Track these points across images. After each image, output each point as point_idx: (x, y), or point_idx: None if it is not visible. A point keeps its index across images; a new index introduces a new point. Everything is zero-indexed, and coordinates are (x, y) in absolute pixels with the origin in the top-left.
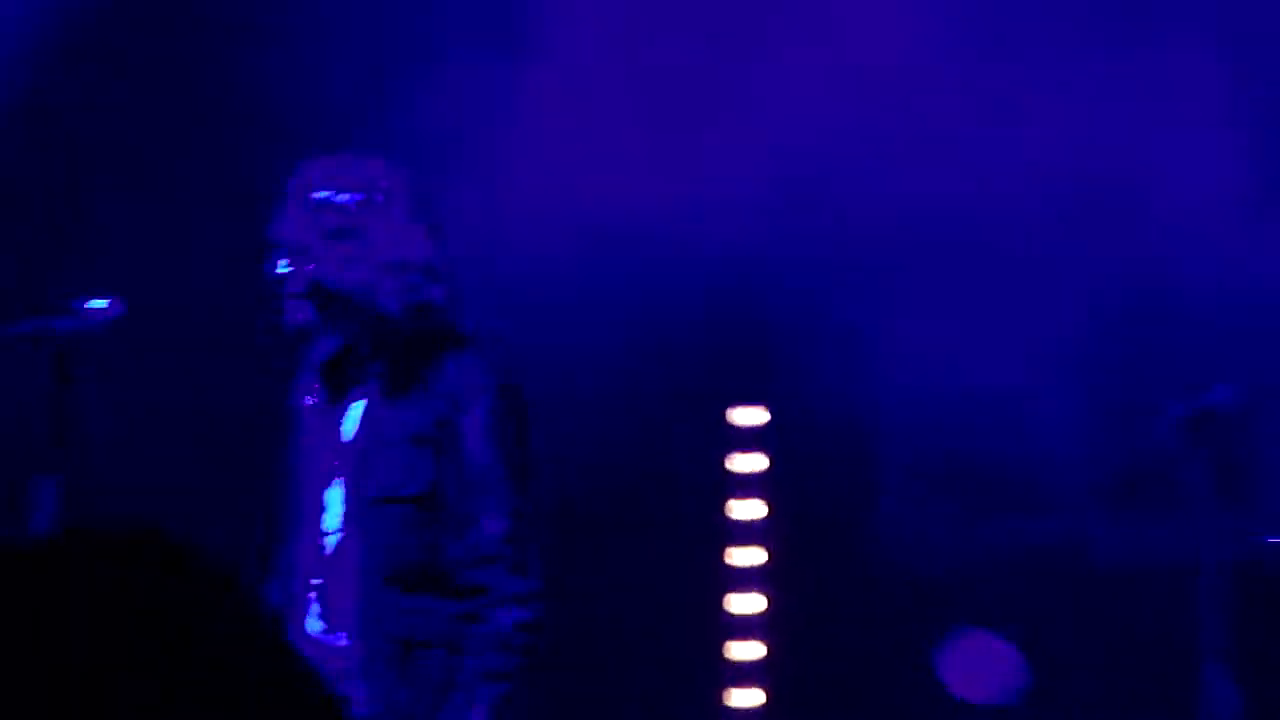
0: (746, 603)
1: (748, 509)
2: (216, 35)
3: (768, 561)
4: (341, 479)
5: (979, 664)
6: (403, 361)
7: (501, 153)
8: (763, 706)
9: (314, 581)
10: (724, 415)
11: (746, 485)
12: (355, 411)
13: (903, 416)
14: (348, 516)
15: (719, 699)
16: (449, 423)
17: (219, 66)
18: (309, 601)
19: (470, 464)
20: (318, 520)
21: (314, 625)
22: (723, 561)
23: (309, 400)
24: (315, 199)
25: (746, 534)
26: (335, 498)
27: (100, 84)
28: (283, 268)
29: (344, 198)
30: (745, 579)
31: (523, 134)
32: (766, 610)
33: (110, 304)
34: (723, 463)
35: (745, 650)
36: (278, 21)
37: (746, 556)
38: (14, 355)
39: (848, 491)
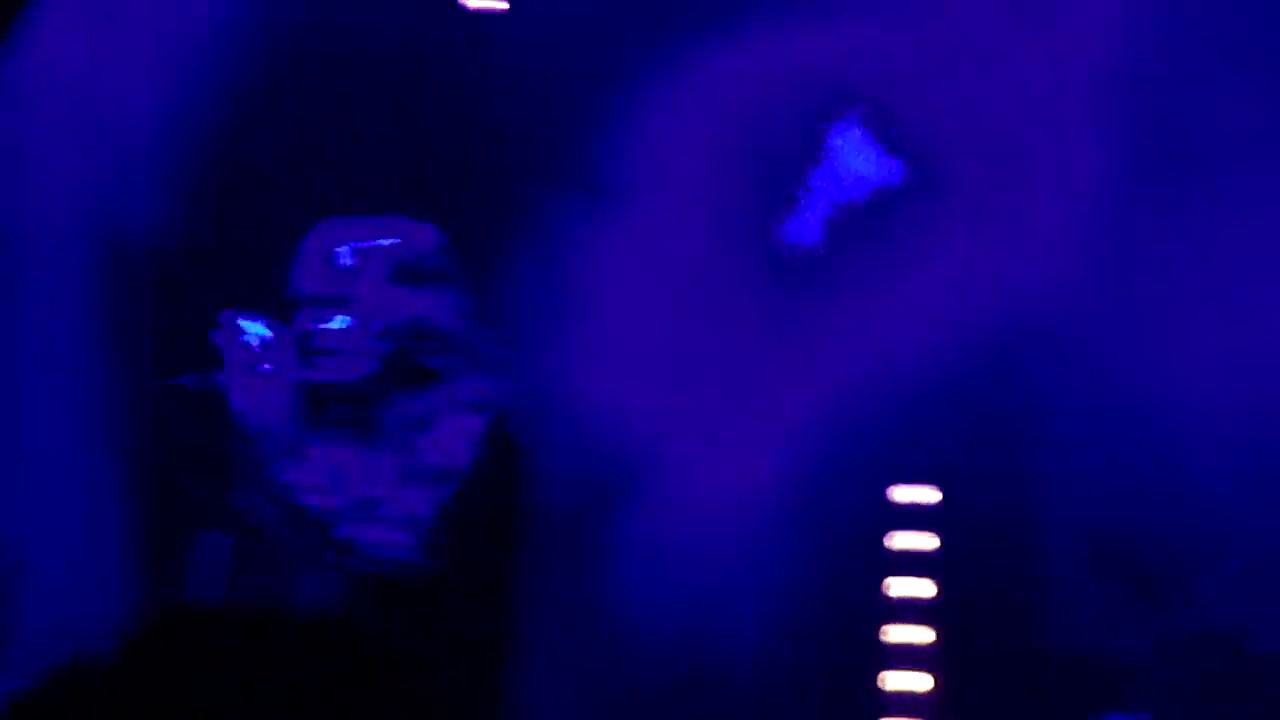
0: (912, 680)
1: (914, 587)
2: (420, 88)
3: (935, 640)
4: None
5: None
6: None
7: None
8: None
9: None
10: (892, 493)
11: (914, 563)
12: None
13: (1073, 498)
14: None
15: None
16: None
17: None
18: None
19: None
20: None
21: None
22: (887, 638)
23: None
24: (323, 259)
25: (913, 612)
26: None
27: (303, 132)
28: (321, 324)
29: (337, 259)
30: (911, 657)
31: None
32: (933, 688)
33: None
34: (889, 540)
35: None
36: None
37: (912, 634)
38: (188, 406)
39: (1016, 571)
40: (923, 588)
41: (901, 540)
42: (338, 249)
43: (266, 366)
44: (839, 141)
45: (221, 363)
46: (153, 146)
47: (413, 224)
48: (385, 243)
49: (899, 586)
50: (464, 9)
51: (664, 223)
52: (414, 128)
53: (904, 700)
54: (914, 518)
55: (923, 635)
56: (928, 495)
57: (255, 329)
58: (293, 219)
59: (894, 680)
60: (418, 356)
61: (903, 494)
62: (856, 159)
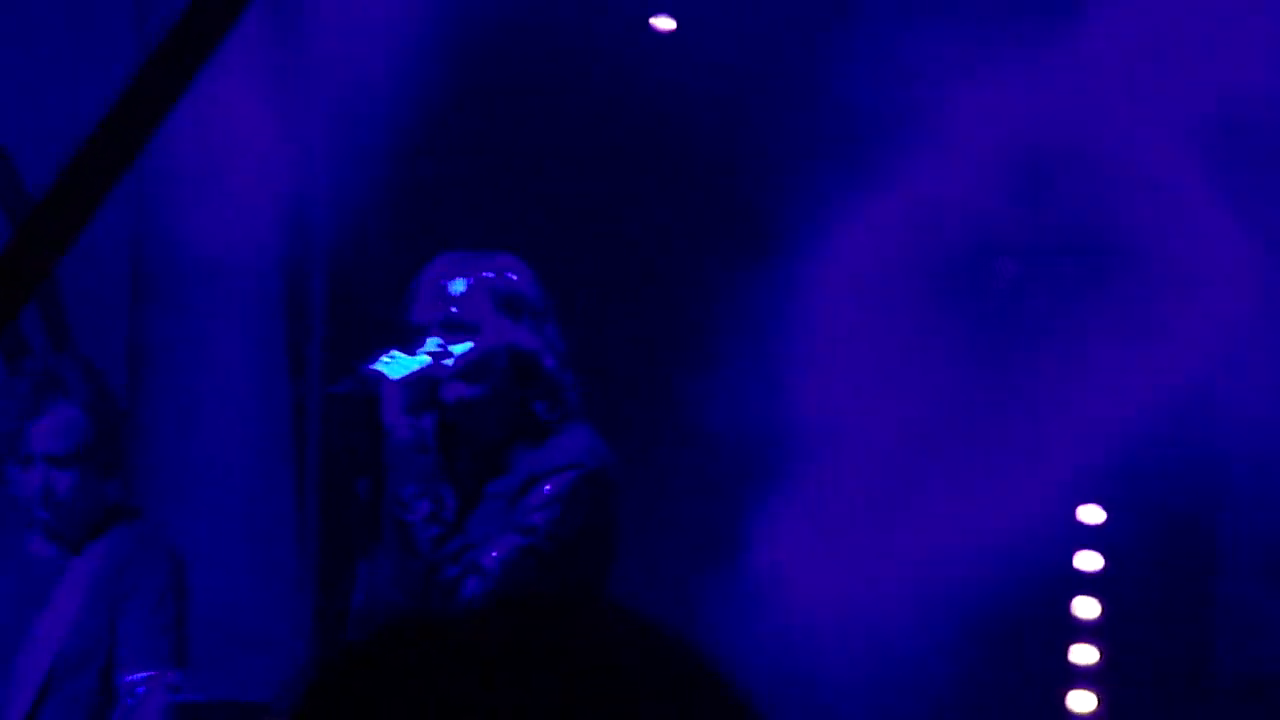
0: (1083, 700)
1: (1087, 607)
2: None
3: (1102, 659)
4: None
5: None
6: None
7: None
8: None
9: None
10: (1070, 513)
11: (1086, 583)
12: None
13: (1244, 514)
14: None
15: None
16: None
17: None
18: None
19: None
20: None
21: None
22: (1064, 659)
23: None
24: (442, 290)
25: (1085, 632)
26: None
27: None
28: (430, 347)
29: (456, 289)
30: (1083, 676)
31: None
32: (1100, 707)
33: None
34: (1068, 561)
35: None
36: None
37: (1084, 654)
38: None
39: (1185, 588)
40: (1090, 607)
41: (1079, 559)
42: (451, 279)
43: (416, 390)
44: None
45: (379, 378)
46: (331, 166)
47: (520, 261)
48: (493, 276)
49: (1078, 606)
50: (654, 30)
51: (859, 259)
52: (593, 149)
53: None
54: (1085, 537)
55: (1090, 654)
56: (1094, 514)
57: (409, 359)
58: (466, 238)
59: (1073, 700)
60: (531, 403)
61: (1081, 513)
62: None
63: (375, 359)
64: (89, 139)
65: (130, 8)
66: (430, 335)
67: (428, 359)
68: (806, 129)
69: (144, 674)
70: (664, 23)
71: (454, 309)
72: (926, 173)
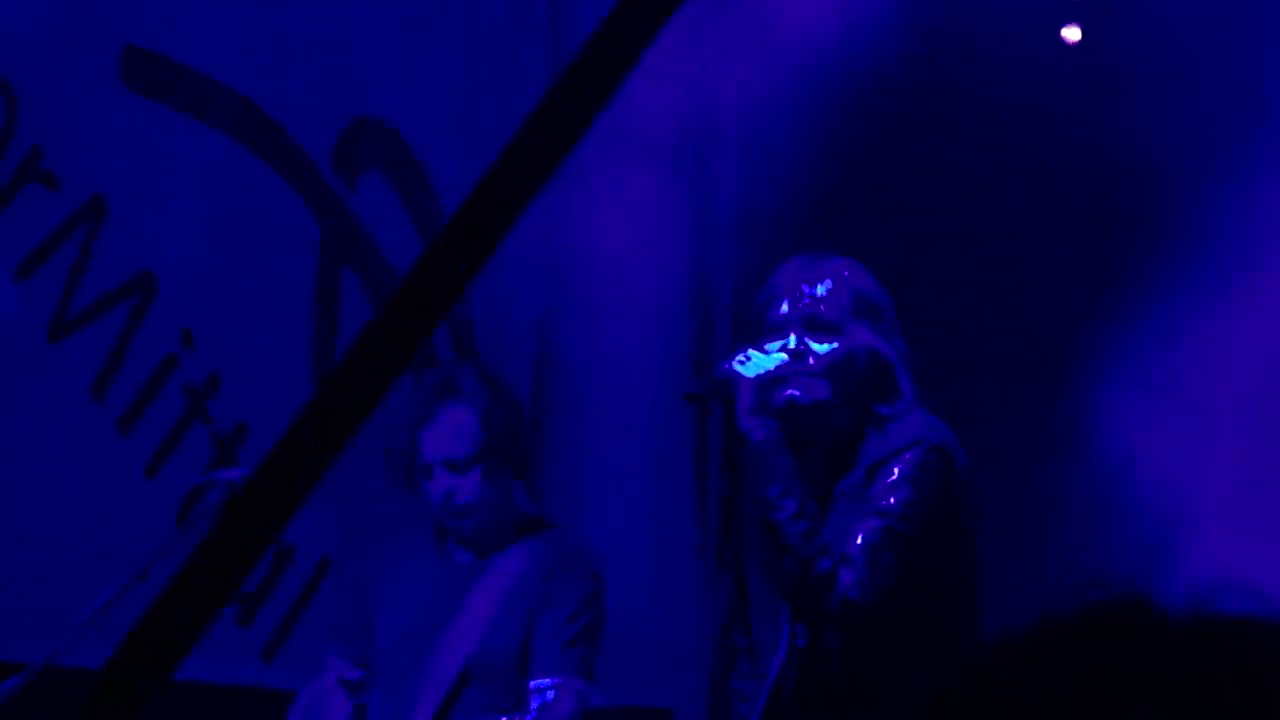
0: None
1: None
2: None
3: None
4: None
5: None
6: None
7: None
8: None
9: None
10: None
11: None
12: None
13: None
14: None
15: None
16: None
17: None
18: None
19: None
20: None
21: None
22: None
23: None
24: (804, 289)
25: None
26: None
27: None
28: (789, 344)
29: (820, 289)
30: None
31: None
32: None
33: None
34: None
35: None
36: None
37: None
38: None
39: None
40: None
41: None
42: (814, 279)
43: (769, 390)
44: None
45: (734, 378)
46: (739, 173)
47: (862, 266)
48: (853, 278)
49: None
50: (1064, 41)
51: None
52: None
53: None
54: None
55: None
56: None
57: (764, 358)
58: (869, 248)
59: None
60: (870, 399)
61: None
62: None
63: (730, 359)
64: (503, 156)
65: (545, 26)
66: (789, 333)
67: (784, 357)
68: (1234, 135)
69: (553, 679)
70: (1074, 33)
71: (818, 308)
72: None
